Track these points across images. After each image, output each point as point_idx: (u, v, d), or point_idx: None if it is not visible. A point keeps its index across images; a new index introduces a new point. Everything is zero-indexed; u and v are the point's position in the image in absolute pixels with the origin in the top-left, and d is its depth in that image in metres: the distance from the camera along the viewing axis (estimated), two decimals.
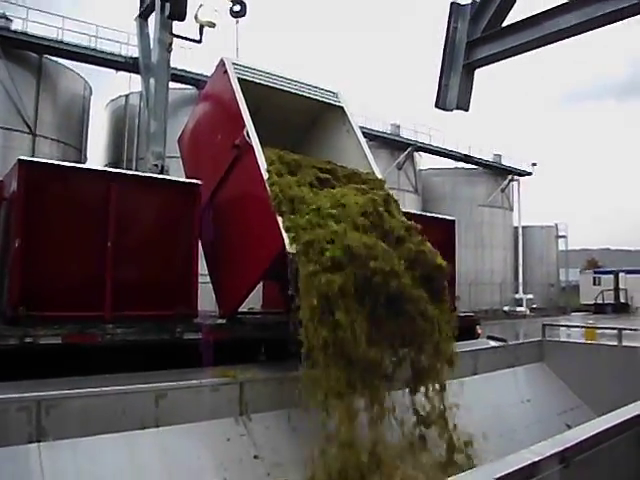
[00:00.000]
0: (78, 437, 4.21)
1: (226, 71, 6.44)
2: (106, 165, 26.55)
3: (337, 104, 7.37)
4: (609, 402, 4.18)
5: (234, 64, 6.56)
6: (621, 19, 5.60)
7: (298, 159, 6.34)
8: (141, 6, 16.55)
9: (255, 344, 6.30)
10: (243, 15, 15.76)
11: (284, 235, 5.26)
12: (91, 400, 4.37)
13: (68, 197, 5.96)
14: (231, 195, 6.54)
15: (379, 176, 6.69)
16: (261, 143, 5.96)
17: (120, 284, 6.02)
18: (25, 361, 5.01)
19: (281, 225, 5.34)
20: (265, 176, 5.65)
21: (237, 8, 15.60)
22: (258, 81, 6.67)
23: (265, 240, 5.69)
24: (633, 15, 5.45)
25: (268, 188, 5.56)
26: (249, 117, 6.03)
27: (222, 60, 6.61)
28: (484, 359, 7.48)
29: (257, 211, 5.85)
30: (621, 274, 46.26)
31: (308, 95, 7.14)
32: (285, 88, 6.90)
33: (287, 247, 5.21)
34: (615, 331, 8.42)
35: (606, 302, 44.54)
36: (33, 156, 17.74)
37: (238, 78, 6.39)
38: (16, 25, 23.28)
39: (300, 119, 7.54)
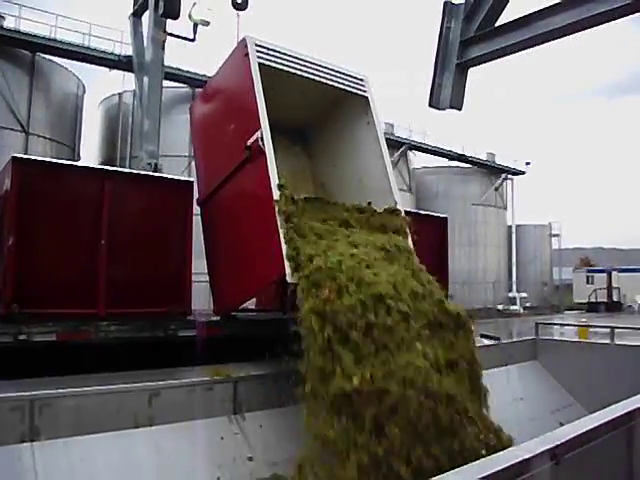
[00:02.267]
0: (71, 436, 4.20)
1: (247, 54, 5.72)
2: (99, 163, 26.44)
3: (362, 94, 6.67)
4: (601, 400, 4.19)
5: (257, 46, 5.81)
6: (612, 19, 5.64)
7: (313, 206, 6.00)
8: (135, 4, 16.52)
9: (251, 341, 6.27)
10: (244, 8, 15.60)
11: (286, 264, 4.96)
12: (84, 399, 4.36)
13: (62, 195, 5.96)
14: (236, 197, 6.11)
15: (396, 195, 6.17)
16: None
17: (114, 281, 6.03)
18: (19, 358, 5.02)
19: (284, 252, 5.00)
20: (275, 195, 5.17)
21: None
22: (279, 67, 6.00)
23: (266, 262, 5.35)
24: (624, 15, 5.48)
25: (276, 206, 5.14)
26: (266, 116, 5.45)
27: (244, 40, 5.84)
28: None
29: (261, 227, 5.40)
30: (614, 273, 46.44)
31: (331, 84, 6.45)
32: (307, 75, 6.23)
33: (288, 277, 4.94)
34: (607, 329, 8.46)
35: (599, 300, 44.73)
36: (26, 154, 17.63)
37: (259, 63, 5.73)
38: (8, 23, 23.15)
39: (319, 99, 6.87)
